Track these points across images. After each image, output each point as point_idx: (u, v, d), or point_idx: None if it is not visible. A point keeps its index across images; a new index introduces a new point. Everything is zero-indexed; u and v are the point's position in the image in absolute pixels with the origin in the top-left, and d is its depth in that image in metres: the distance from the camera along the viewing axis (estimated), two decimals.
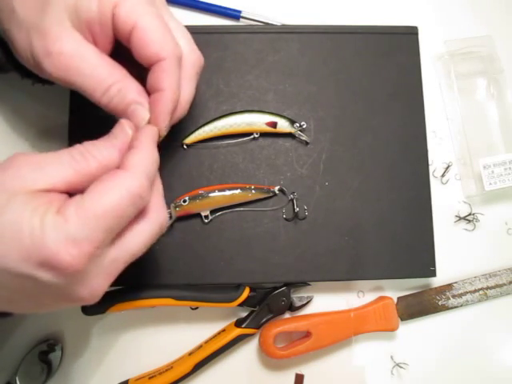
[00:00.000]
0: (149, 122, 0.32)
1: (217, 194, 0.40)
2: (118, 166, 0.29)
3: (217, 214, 0.41)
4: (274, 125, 0.41)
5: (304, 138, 0.42)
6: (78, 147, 0.29)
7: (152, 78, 0.32)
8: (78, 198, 0.27)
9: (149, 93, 0.33)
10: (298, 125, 0.42)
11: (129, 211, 0.28)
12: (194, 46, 0.35)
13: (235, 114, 0.42)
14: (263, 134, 0.42)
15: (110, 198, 0.27)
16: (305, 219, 0.42)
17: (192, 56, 0.35)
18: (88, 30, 0.32)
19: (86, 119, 0.41)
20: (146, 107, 0.32)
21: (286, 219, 0.41)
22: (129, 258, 0.29)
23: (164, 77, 0.32)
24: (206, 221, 0.41)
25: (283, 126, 0.42)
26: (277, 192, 0.42)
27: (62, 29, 0.31)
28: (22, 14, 0.31)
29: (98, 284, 0.28)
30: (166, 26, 0.32)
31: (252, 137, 0.42)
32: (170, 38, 0.32)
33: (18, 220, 0.25)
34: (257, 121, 0.41)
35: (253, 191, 0.41)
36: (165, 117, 0.32)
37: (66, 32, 0.31)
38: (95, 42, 0.32)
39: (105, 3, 0.31)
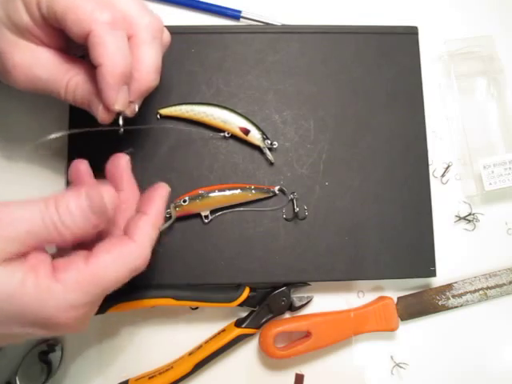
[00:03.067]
0: (100, 101, 0.32)
1: (217, 193, 0.40)
2: (125, 232, 0.30)
3: (217, 214, 0.41)
4: (246, 132, 0.41)
5: (269, 158, 0.42)
6: (51, 213, 0.27)
7: (90, 56, 0.30)
8: (79, 264, 0.27)
9: None
10: (269, 142, 0.41)
11: (128, 277, 0.29)
12: (146, 11, 0.33)
13: (215, 107, 0.41)
14: (234, 137, 0.42)
15: (114, 269, 0.28)
16: (305, 219, 0.42)
17: (143, 20, 0.32)
18: (31, 34, 0.32)
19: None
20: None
21: (285, 219, 0.41)
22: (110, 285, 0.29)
23: (97, 49, 0.30)
24: (206, 221, 0.41)
25: (255, 137, 0.41)
26: (277, 192, 0.42)
27: (7, 45, 0.31)
28: None
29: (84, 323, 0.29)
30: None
31: (223, 135, 0.42)
32: (94, 7, 0.30)
33: (8, 291, 0.25)
34: (232, 121, 0.41)
35: (253, 191, 0.41)
36: (109, 92, 0.31)
37: (12, 46, 0.31)
38: (44, 41, 0.32)
39: (30, 6, 0.30)
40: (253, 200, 0.41)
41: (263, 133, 0.42)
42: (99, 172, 0.34)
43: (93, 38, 0.30)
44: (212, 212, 0.41)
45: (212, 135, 0.42)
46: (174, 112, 0.42)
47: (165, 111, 0.42)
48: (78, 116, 0.41)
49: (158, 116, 0.42)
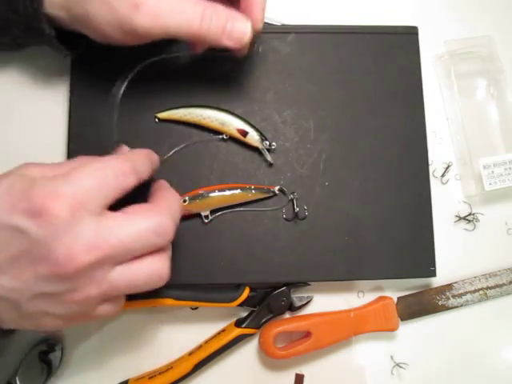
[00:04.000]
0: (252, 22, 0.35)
1: (217, 193, 0.40)
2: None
3: (217, 214, 0.41)
4: (244, 133, 0.41)
5: (268, 159, 0.42)
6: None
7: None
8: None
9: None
10: (267, 143, 0.41)
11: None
12: None
13: (213, 109, 0.41)
14: (233, 139, 0.42)
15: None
16: (305, 219, 0.42)
17: None
18: None
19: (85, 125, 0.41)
20: (243, 18, 0.35)
21: (285, 219, 0.41)
22: (115, 242, 0.28)
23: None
24: (206, 221, 0.41)
25: (253, 138, 0.41)
26: (277, 192, 0.42)
27: None
28: None
29: (77, 249, 0.27)
30: None
31: (221, 137, 0.42)
32: None
33: (14, 180, 0.28)
34: (230, 123, 0.41)
35: (253, 191, 0.41)
36: (262, 9, 0.37)
37: None
38: None
39: None
40: (253, 200, 0.41)
41: (261, 134, 0.42)
42: None
43: None
44: (212, 212, 0.41)
45: (210, 138, 0.42)
46: (171, 115, 0.42)
47: (163, 115, 0.42)
48: (79, 113, 0.42)
49: (156, 120, 0.42)
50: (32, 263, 0.27)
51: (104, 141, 0.41)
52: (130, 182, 0.30)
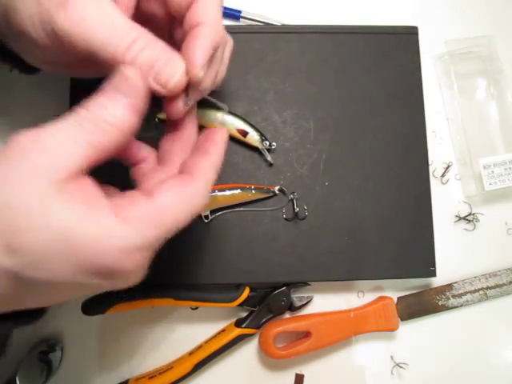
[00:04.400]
0: (186, 66, 0.28)
1: (217, 194, 0.40)
2: (183, 171, 0.28)
3: (217, 214, 0.41)
4: (244, 134, 0.41)
5: (268, 159, 0.42)
6: (84, 115, 0.24)
7: (189, 15, 0.28)
8: (141, 201, 0.25)
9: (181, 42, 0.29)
10: (267, 143, 0.41)
11: (189, 219, 0.27)
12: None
13: (212, 109, 0.41)
14: (233, 139, 0.42)
15: (177, 208, 0.26)
16: (305, 219, 0.42)
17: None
18: None
19: None
20: (178, 57, 0.28)
21: (286, 219, 0.41)
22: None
23: (203, 8, 0.28)
24: (206, 221, 0.41)
25: (253, 138, 0.41)
26: (277, 192, 0.42)
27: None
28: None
29: (140, 264, 0.25)
30: None
31: None
32: None
33: (67, 228, 0.22)
34: (229, 123, 0.41)
35: (253, 191, 0.41)
36: (204, 52, 0.28)
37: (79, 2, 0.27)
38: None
39: None
40: (253, 200, 0.41)
41: (262, 134, 0.42)
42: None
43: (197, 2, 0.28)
44: (212, 212, 0.41)
45: None
46: None
47: (163, 115, 0.42)
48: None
49: (157, 120, 0.42)
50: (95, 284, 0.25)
51: None
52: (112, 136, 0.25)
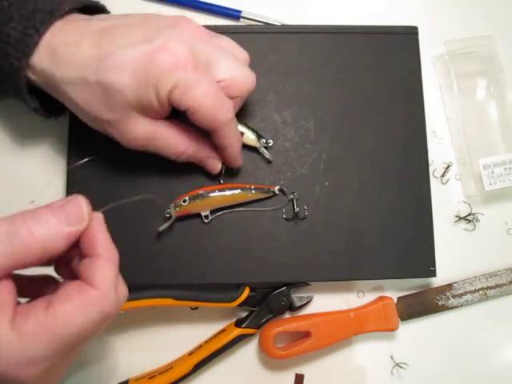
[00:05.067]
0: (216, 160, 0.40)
1: (217, 193, 0.40)
2: (85, 279, 0.26)
3: (217, 214, 0.41)
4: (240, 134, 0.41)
5: (267, 156, 0.42)
6: (18, 225, 0.25)
7: (214, 140, 0.37)
8: (39, 313, 0.24)
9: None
10: (264, 141, 0.42)
11: (98, 328, 0.26)
12: (244, 69, 0.37)
13: None
14: None
15: (76, 320, 0.25)
16: (305, 219, 0.42)
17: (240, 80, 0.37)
18: (154, 113, 0.35)
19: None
20: (217, 159, 0.39)
21: (286, 219, 0.41)
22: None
23: (222, 141, 0.37)
24: (206, 221, 0.41)
25: (249, 138, 0.41)
26: (277, 192, 0.42)
27: (131, 122, 0.35)
28: (91, 112, 0.35)
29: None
30: (216, 95, 0.34)
31: None
32: (219, 107, 0.34)
33: None
34: None
35: (253, 191, 0.41)
36: (237, 162, 0.40)
37: (135, 122, 0.35)
38: (163, 116, 0.36)
39: (161, 93, 0.33)
40: (253, 200, 0.41)
41: (257, 132, 0.42)
42: None
43: (219, 133, 0.36)
44: (212, 212, 0.41)
45: None
46: None
47: None
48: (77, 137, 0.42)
49: None
50: None
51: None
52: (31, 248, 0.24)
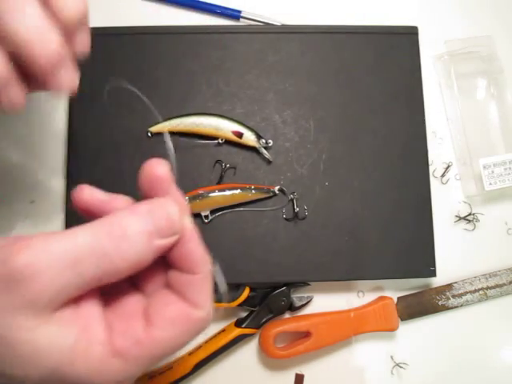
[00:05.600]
0: None
1: (217, 194, 0.40)
2: (186, 298, 0.24)
3: (217, 214, 0.41)
4: (239, 135, 0.41)
5: (267, 157, 0.42)
6: (103, 242, 0.22)
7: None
8: (139, 333, 0.22)
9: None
10: (263, 141, 0.41)
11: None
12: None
13: (203, 116, 0.41)
14: (229, 142, 0.42)
15: (177, 341, 0.23)
16: (305, 219, 0.42)
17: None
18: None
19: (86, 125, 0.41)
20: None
21: (286, 219, 0.41)
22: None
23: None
24: (206, 221, 0.41)
25: (249, 138, 0.41)
26: (277, 192, 0.42)
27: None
28: None
29: None
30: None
31: (217, 142, 0.42)
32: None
33: (56, 361, 0.21)
34: (223, 127, 0.41)
35: (253, 191, 0.41)
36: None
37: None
38: None
39: None
40: (253, 200, 0.41)
41: (256, 133, 0.42)
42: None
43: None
44: (212, 212, 0.41)
45: (205, 143, 0.42)
46: (163, 128, 0.41)
47: (155, 128, 0.41)
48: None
49: (149, 134, 0.42)
50: None
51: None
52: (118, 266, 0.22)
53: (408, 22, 0.45)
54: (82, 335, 0.21)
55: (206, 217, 0.41)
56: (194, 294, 0.24)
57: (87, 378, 0.21)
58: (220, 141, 0.42)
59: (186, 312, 0.24)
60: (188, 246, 0.24)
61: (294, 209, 0.41)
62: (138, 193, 0.36)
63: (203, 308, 0.24)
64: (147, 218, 0.22)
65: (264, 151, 0.42)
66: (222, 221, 0.41)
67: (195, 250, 0.24)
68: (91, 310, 0.23)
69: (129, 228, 0.22)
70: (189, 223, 0.24)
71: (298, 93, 0.43)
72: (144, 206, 0.23)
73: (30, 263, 0.20)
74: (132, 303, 0.24)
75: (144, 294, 0.25)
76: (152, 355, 0.23)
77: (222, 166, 0.42)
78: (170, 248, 0.24)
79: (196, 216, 0.41)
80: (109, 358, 0.21)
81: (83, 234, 0.21)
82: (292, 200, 0.42)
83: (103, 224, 0.22)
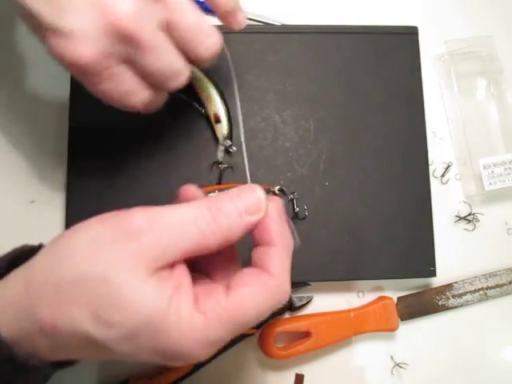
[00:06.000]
0: None
1: (217, 194, 0.40)
2: (260, 266, 0.27)
3: None
4: (217, 120, 0.41)
5: (218, 156, 0.41)
6: (204, 213, 0.25)
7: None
8: (220, 296, 0.25)
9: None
10: (229, 142, 0.41)
11: (268, 314, 0.27)
12: None
13: (211, 84, 0.41)
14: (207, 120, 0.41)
15: (256, 306, 0.25)
16: (305, 219, 0.42)
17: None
18: None
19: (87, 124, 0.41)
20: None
21: None
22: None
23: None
24: None
25: (221, 129, 0.41)
26: (277, 192, 0.42)
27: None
28: None
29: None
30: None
31: (201, 109, 0.41)
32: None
33: (155, 313, 0.23)
34: (214, 103, 0.41)
35: None
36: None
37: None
38: None
39: None
40: None
41: (230, 132, 0.41)
42: None
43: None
44: None
45: (193, 104, 0.41)
46: None
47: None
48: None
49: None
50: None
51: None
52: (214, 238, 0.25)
53: (408, 22, 0.45)
54: (175, 293, 0.24)
55: None
56: (270, 263, 0.27)
57: (176, 334, 0.23)
58: (203, 112, 0.41)
59: (262, 279, 0.26)
60: (265, 220, 0.27)
61: (294, 209, 0.41)
62: (139, 191, 0.36)
63: (278, 277, 0.26)
64: (237, 198, 0.26)
65: (220, 149, 0.41)
66: None
67: (271, 224, 0.27)
68: (183, 274, 0.25)
69: (223, 204, 0.26)
70: (272, 202, 0.28)
71: (297, 93, 0.43)
72: (235, 189, 0.27)
73: (147, 219, 0.24)
74: (214, 283, 0.28)
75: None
76: (232, 318, 0.24)
77: (218, 166, 0.41)
78: (256, 225, 0.27)
79: None
80: (193, 314, 0.24)
81: (187, 207, 0.25)
82: (292, 200, 0.42)
83: (203, 201, 0.26)
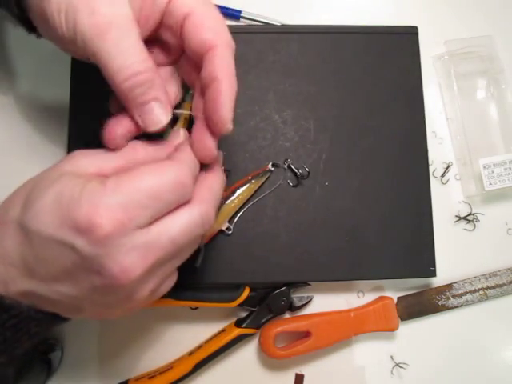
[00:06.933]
0: (213, 121, 0.29)
1: (226, 202, 0.40)
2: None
3: (235, 220, 0.41)
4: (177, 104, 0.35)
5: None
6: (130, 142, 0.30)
7: (206, 69, 0.29)
8: (121, 172, 0.27)
9: (202, 91, 0.30)
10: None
11: (167, 197, 0.27)
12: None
13: None
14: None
15: (151, 178, 0.27)
16: (308, 177, 0.42)
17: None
18: (138, 7, 0.29)
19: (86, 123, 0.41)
20: (167, 110, 0.29)
21: (293, 186, 0.41)
22: (166, 244, 0.27)
23: (219, 64, 0.29)
24: (229, 232, 0.40)
25: (179, 113, 0.36)
26: (272, 168, 0.41)
27: None
28: None
29: (131, 262, 0.26)
30: (221, 16, 0.30)
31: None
32: (225, 27, 0.30)
33: (63, 189, 0.26)
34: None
35: (252, 181, 0.41)
36: (228, 109, 0.29)
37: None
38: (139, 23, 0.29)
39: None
40: (257, 189, 0.41)
41: (175, 120, 0.34)
42: None
43: (217, 53, 0.29)
44: (230, 221, 0.40)
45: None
46: None
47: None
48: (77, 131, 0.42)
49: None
50: (87, 275, 0.26)
51: None
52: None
53: (408, 22, 0.45)
54: (86, 180, 0.27)
55: (228, 228, 0.40)
56: (175, 152, 0.30)
57: (77, 199, 0.26)
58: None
59: (162, 161, 0.29)
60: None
61: (295, 173, 0.41)
62: None
63: (176, 161, 0.29)
64: None
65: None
66: None
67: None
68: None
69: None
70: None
71: (297, 93, 0.43)
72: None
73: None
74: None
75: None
76: (128, 189, 0.26)
77: None
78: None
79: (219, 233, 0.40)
80: (96, 187, 0.26)
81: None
82: (289, 166, 0.42)
83: None
